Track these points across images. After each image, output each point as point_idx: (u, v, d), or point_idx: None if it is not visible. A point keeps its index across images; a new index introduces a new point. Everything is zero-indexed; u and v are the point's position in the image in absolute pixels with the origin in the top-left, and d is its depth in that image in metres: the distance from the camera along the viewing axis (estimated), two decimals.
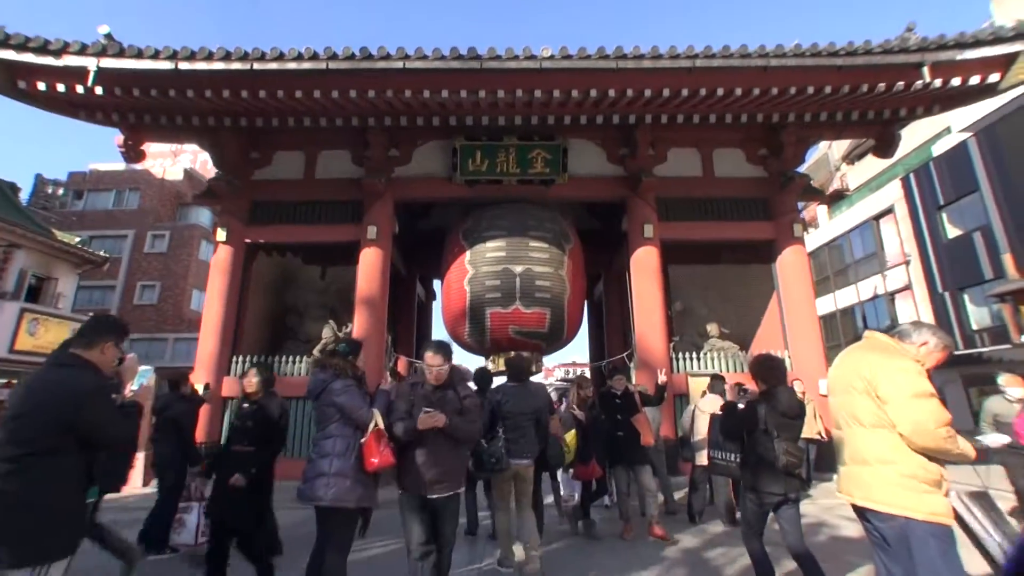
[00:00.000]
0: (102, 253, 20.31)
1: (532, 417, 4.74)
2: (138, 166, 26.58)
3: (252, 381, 4.33)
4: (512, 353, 10.08)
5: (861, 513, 2.59)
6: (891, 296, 19.56)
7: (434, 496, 3.33)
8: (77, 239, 19.43)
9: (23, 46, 8.20)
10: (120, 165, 25.50)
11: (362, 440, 3.19)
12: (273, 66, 8.43)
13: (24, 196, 21.85)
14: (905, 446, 2.40)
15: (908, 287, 18.66)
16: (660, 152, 10.96)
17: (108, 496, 4.64)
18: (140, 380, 8.63)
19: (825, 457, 8.95)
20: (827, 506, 6.98)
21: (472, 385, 4.58)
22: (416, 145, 11.11)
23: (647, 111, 9.73)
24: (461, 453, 3.64)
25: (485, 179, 10.87)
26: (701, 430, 6.39)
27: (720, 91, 8.84)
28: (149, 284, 24.65)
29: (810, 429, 8.13)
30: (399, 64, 8.49)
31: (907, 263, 18.65)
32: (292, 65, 8.44)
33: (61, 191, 25.40)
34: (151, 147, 29.27)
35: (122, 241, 25.01)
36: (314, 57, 8.44)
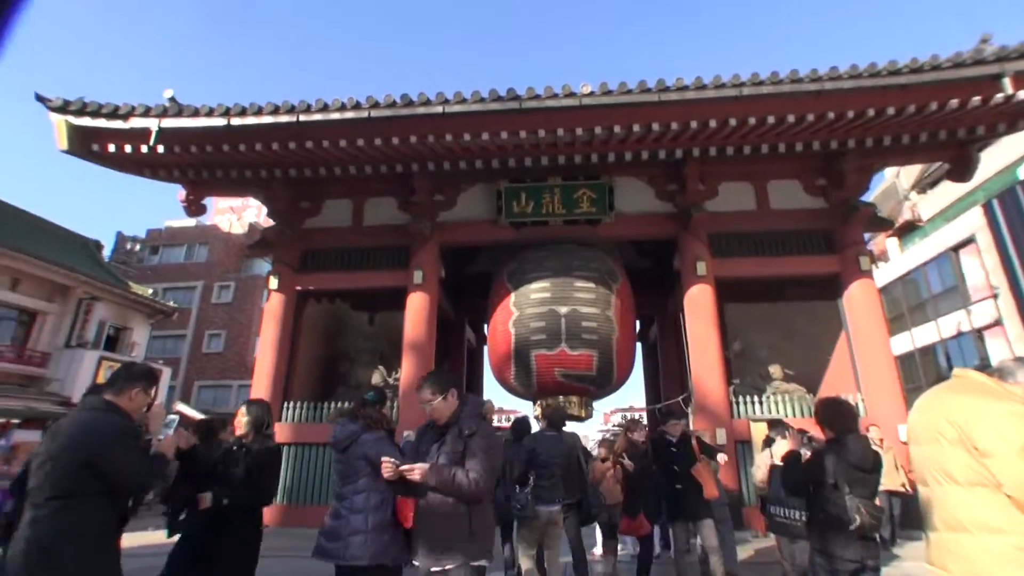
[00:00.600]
0: (172, 304, 21.40)
1: (564, 464, 4.82)
2: (207, 222, 28.28)
3: (241, 421, 3.83)
4: (550, 400, 9.77)
5: None
6: (979, 333, 17.87)
7: (435, 569, 2.73)
8: (150, 291, 20.58)
9: (97, 112, 8.89)
10: (192, 222, 27.12)
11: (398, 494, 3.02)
12: (318, 117, 8.68)
13: (107, 252, 23.48)
14: (1017, 511, 1.87)
15: (999, 322, 17.00)
16: (710, 187, 10.53)
17: (144, 543, 4.60)
18: (166, 430, 8.78)
19: (913, 512, 7.89)
20: (915, 573, 5.94)
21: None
22: (461, 189, 11.15)
23: (694, 144, 9.35)
24: (470, 513, 2.74)
25: (531, 221, 10.75)
26: None
27: (771, 119, 8.41)
28: (216, 333, 25.79)
29: (893, 480, 7.52)
30: (439, 109, 8.58)
31: (995, 296, 17.07)
32: (335, 115, 8.67)
33: (139, 247, 27.26)
34: (219, 203, 31.44)
35: (192, 293, 26.41)
36: (356, 106, 8.66)
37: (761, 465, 6.23)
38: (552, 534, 4.73)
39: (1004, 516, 1.89)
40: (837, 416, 3.38)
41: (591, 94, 8.41)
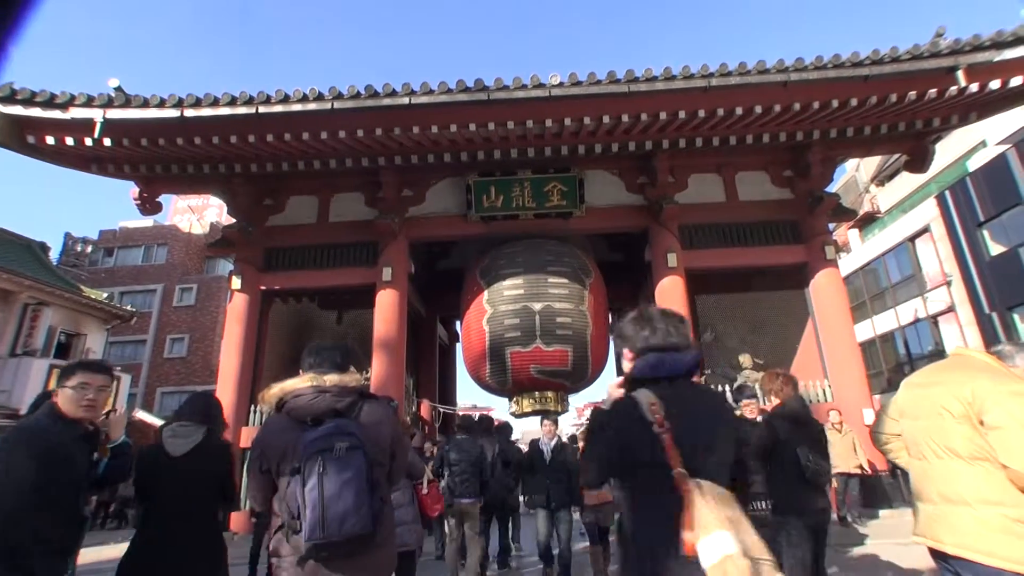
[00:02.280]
0: (129, 308, 20.54)
1: (474, 464, 5.53)
2: (165, 222, 27.17)
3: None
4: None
5: (943, 559, 2.10)
6: (934, 319, 18.56)
7: None
8: (104, 295, 19.69)
9: (30, 100, 8.20)
10: (148, 221, 26.08)
11: (424, 491, 3.94)
12: (278, 109, 8.35)
13: (54, 254, 22.39)
14: (1012, 485, 1.94)
15: (951, 309, 17.68)
16: (680, 179, 10.58)
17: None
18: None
19: (873, 492, 8.60)
20: (886, 549, 6.13)
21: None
22: (429, 184, 10.95)
23: (664, 136, 9.38)
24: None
25: (501, 215, 10.62)
26: None
27: (739, 110, 8.47)
28: (178, 337, 24.84)
29: (846, 463, 7.81)
30: (405, 100, 8.36)
31: (948, 284, 17.74)
32: (297, 107, 8.35)
33: (90, 248, 26.05)
34: (178, 202, 30.38)
35: (151, 296, 25.38)
36: (319, 98, 8.35)
37: None
38: (468, 523, 5.62)
39: (1001, 489, 1.95)
40: (770, 386, 3.86)
41: (560, 85, 8.31)
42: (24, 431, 2.27)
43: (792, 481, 3.46)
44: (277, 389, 2.01)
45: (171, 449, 2.58)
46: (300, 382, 2.00)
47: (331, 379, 2.00)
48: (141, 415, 19.08)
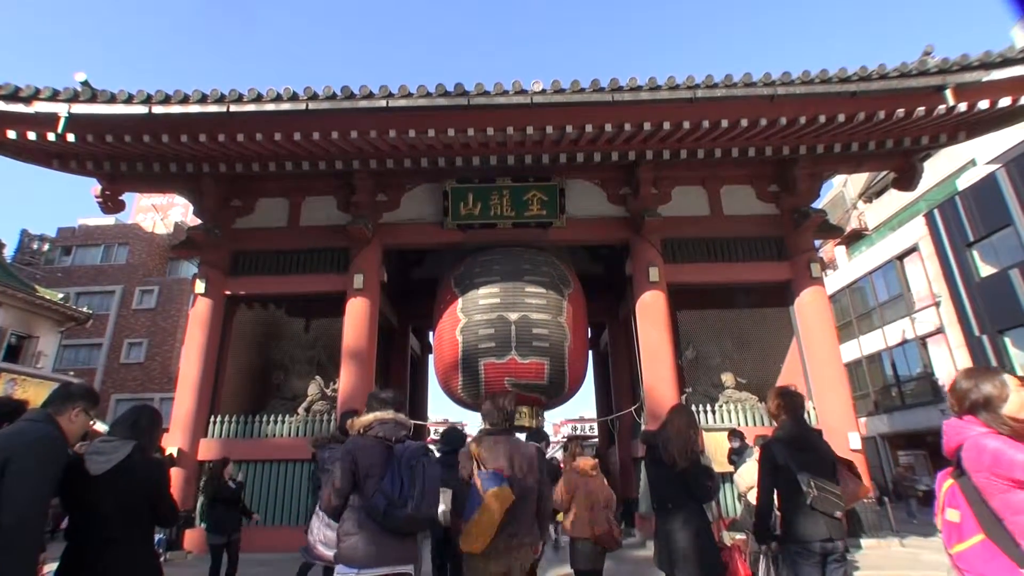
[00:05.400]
0: (86, 309, 19.82)
1: None
2: (127, 220, 26.32)
3: None
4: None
5: None
6: (922, 341, 18.46)
7: None
8: (60, 295, 18.99)
9: None
10: (110, 220, 25.19)
11: None
12: (250, 108, 8.02)
13: (9, 252, 21.61)
14: None
15: (940, 330, 17.57)
16: (664, 191, 10.32)
17: None
18: None
19: (856, 521, 8.47)
20: None
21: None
22: (405, 189, 10.62)
23: (648, 147, 9.14)
24: None
25: (478, 223, 10.32)
26: None
27: (724, 123, 8.24)
28: (136, 341, 23.79)
29: None
30: (382, 103, 8.05)
31: (937, 304, 17.64)
32: (270, 106, 8.02)
33: (47, 246, 25.14)
34: (141, 200, 29.56)
35: (109, 297, 24.37)
36: (293, 97, 8.04)
37: (744, 474, 5.94)
38: None
39: None
40: (777, 406, 3.50)
41: (542, 92, 8.09)
42: (47, 440, 2.17)
43: (792, 508, 3.23)
44: (372, 417, 2.79)
45: (90, 467, 2.34)
46: (384, 415, 2.81)
47: (399, 416, 2.87)
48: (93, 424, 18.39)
